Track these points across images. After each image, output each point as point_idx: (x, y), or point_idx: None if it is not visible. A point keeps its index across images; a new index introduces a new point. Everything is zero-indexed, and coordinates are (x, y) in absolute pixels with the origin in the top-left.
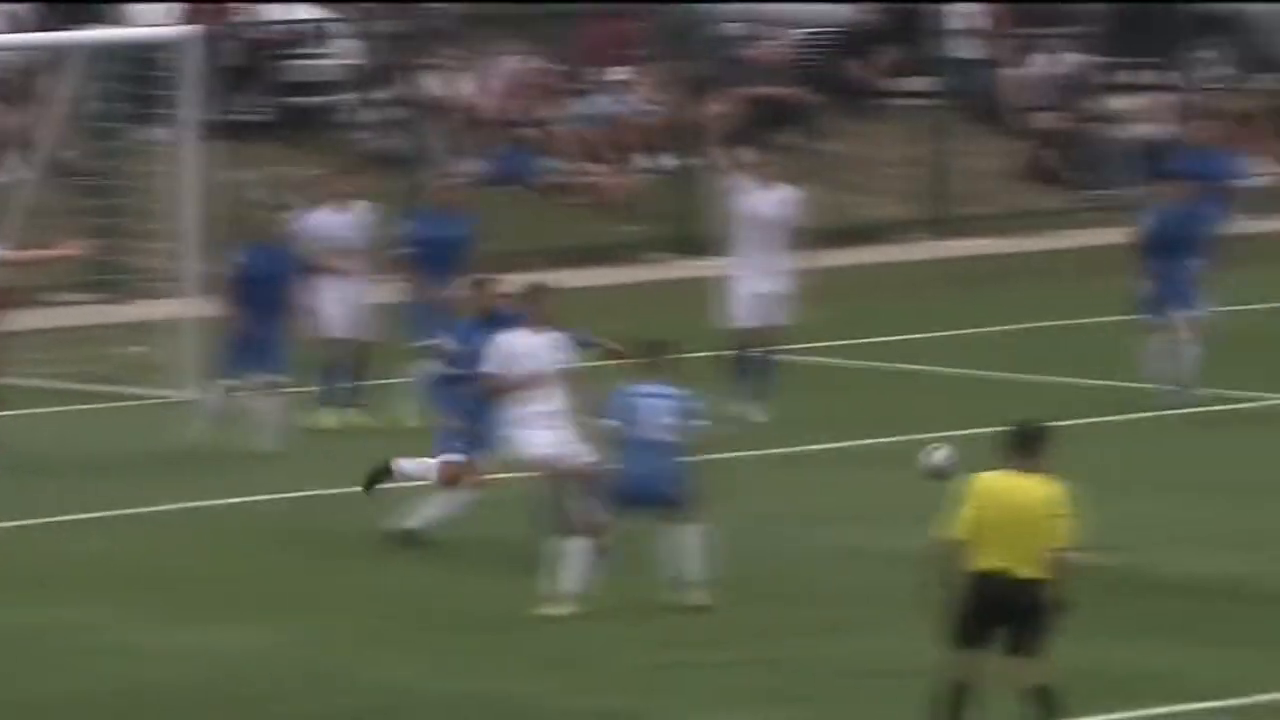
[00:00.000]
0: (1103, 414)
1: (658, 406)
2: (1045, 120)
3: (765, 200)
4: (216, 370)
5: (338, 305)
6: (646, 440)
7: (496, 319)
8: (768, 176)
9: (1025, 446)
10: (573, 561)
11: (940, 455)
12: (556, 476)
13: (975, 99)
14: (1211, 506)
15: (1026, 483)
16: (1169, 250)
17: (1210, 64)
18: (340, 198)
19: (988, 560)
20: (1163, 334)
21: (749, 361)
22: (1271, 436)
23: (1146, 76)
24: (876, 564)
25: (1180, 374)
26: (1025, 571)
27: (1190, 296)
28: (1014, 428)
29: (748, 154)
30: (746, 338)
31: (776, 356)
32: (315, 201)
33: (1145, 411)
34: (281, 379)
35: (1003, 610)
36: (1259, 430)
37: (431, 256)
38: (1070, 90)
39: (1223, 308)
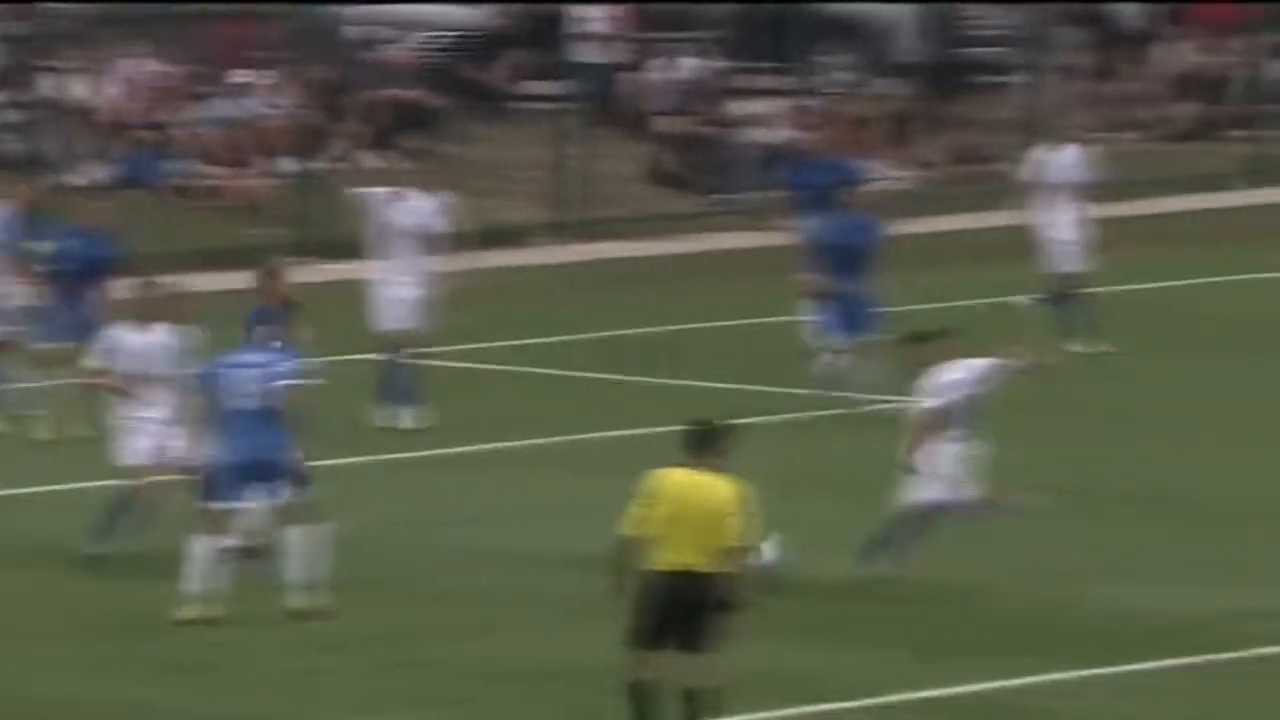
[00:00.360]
0: (742, 415)
1: (244, 375)
2: (670, 124)
3: (405, 207)
4: None
5: None
6: (236, 411)
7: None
8: (406, 183)
9: (706, 445)
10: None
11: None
12: (155, 483)
13: (602, 103)
14: (856, 509)
15: (707, 480)
16: (831, 262)
17: (832, 68)
18: None
19: (668, 557)
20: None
21: (396, 367)
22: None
23: (770, 81)
24: (517, 565)
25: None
26: (703, 568)
27: (863, 318)
28: (695, 426)
29: (373, 159)
30: (393, 342)
31: (421, 361)
32: None
33: (784, 414)
34: None
35: (680, 606)
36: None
37: (76, 272)
38: (695, 94)
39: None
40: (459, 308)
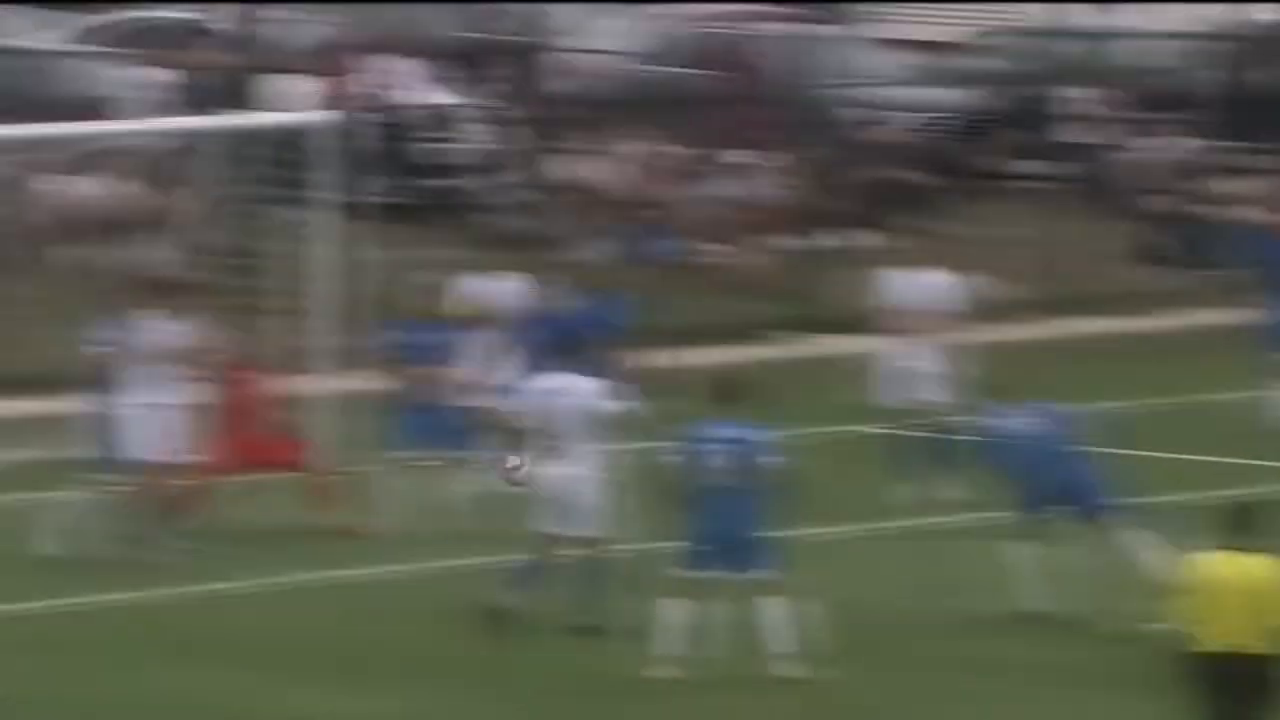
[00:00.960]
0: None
1: (718, 450)
2: (1155, 202)
3: (921, 284)
4: (388, 444)
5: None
6: (709, 487)
7: None
8: (918, 261)
9: (1243, 524)
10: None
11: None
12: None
13: (1089, 182)
14: None
15: (1247, 560)
16: None
17: None
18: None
19: (1216, 641)
20: None
21: (912, 439)
22: None
23: (1255, 160)
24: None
25: None
26: (1254, 649)
27: None
28: (1234, 507)
29: (869, 238)
30: (901, 415)
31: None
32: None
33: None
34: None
35: (1234, 689)
36: None
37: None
38: (1180, 173)
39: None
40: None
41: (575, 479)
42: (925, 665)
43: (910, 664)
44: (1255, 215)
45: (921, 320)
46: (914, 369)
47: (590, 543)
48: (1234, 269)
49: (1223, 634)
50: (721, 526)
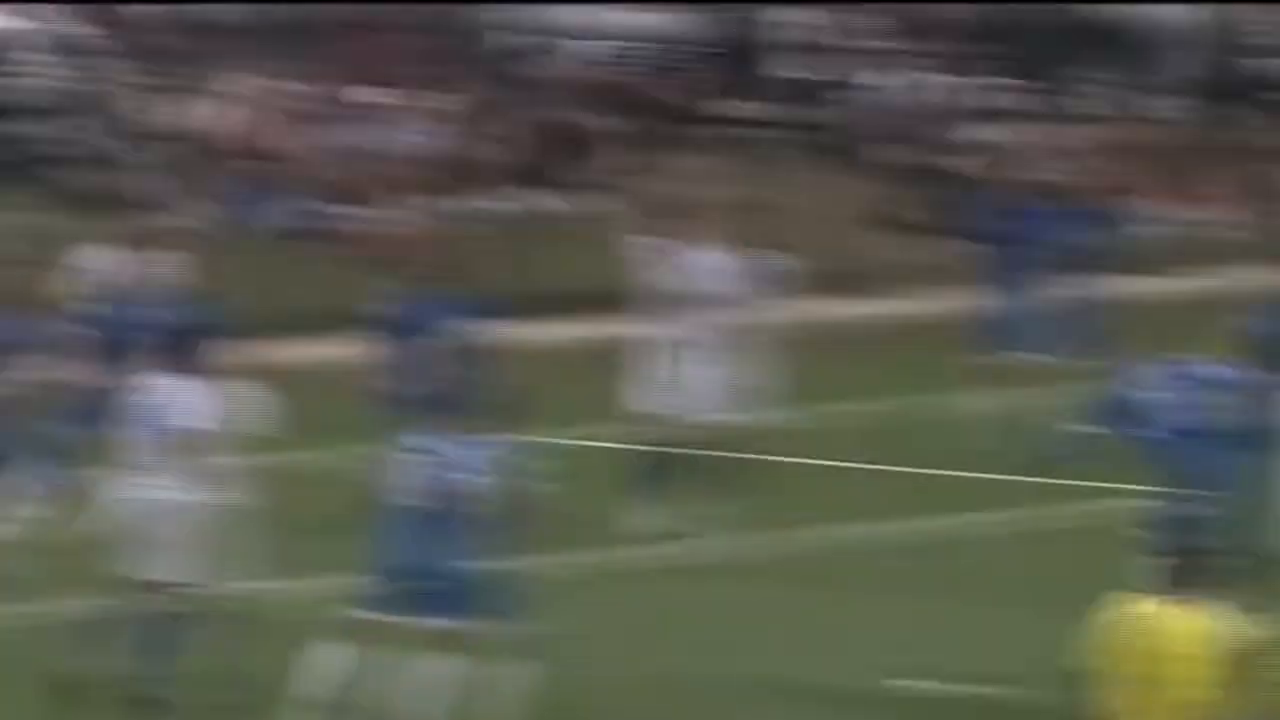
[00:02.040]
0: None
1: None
2: (901, 154)
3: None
4: None
5: None
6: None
7: None
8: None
9: (1185, 574)
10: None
11: None
12: None
13: (817, 129)
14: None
15: (1181, 615)
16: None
17: (1095, 86)
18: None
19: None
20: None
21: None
22: None
23: (1025, 101)
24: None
25: None
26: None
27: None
28: (1179, 552)
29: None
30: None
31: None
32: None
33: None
34: None
35: None
36: None
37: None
38: (923, 119)
39: None
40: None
41: (159, 507)
42: None
43: None
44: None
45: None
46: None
47: (166, 588)
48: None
49: (1140, 700)
50: (411, 560)
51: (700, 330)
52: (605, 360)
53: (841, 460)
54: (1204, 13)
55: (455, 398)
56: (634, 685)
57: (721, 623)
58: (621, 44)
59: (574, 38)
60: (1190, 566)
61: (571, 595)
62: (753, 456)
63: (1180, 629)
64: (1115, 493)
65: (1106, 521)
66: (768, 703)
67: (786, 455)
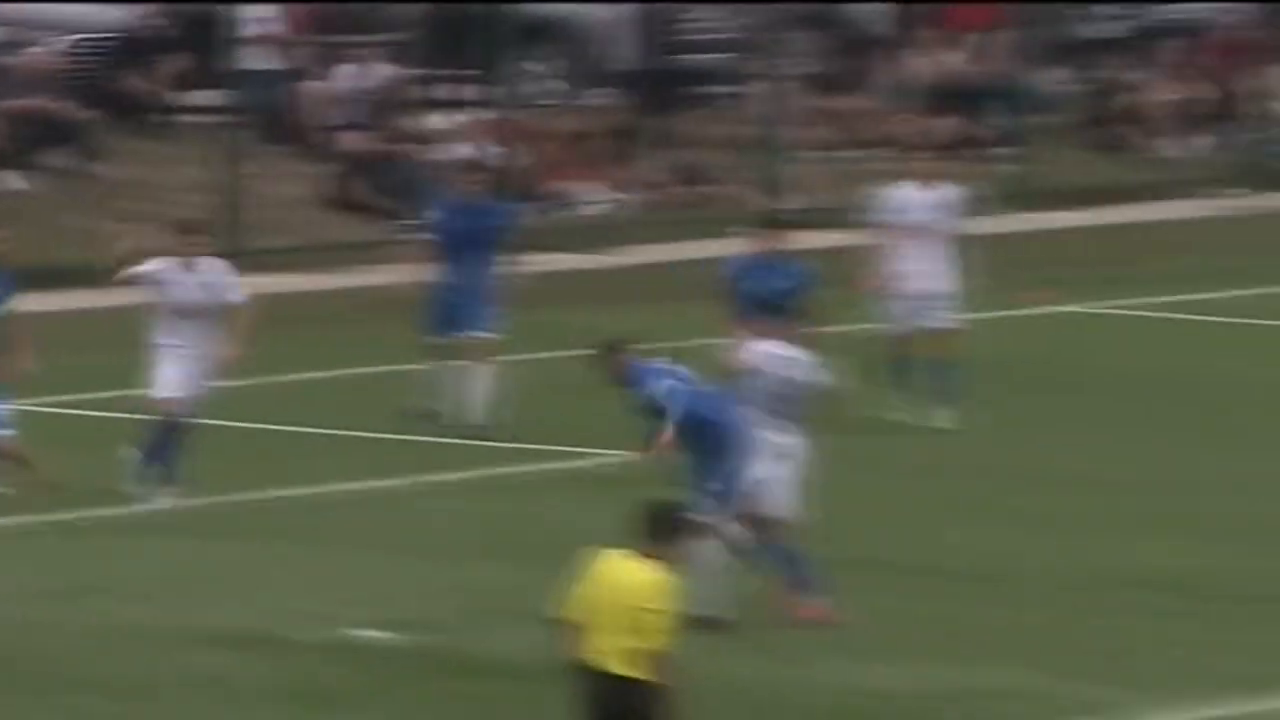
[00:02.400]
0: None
1: None
2: (350, 141)
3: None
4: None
5: None
6: None
7: None
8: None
9: (655, 529)
10: None
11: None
12: None
13: (273, 116)
14: (523, 576)
15: (638, 567)
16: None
17: (538, 77)
18: None
19: (590, 650)
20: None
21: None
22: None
23: (465, 91)
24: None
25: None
26: (618, 667)
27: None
28: (649, 508)
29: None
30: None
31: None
32: None
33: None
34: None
35: (596, 711)
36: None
37: None
38: (379, 107)
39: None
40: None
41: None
42: (49, 689)
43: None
44: (465, 153)
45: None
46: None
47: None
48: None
49: (595, 648)
50: None
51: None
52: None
53: (297, 426)
54: (634, 9)
55: None
56: (69, 631)
57: (158, 576)
58: (88, 36)
59: (43, 29)
60: (657, 525)
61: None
62: (208, 422)
63: (629, 581)
64: (560, 455)
65: (542, 482)
66: (189, 649)
67: (245, 422)
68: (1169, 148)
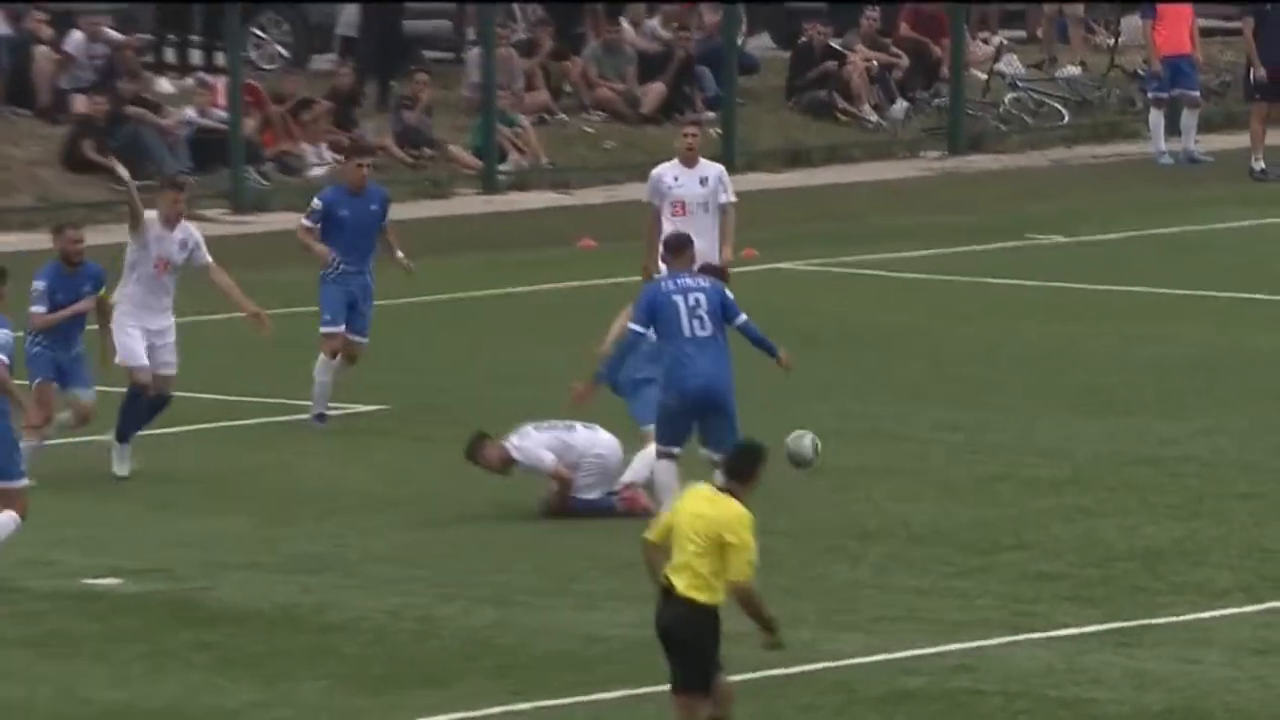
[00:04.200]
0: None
1: None
2: (84, 104)
3: None
4: None
5: None
6: None
7: None
8: None
9: (736, 466)
10: None
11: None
12: None
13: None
14: (262, 527)
15: (721, 500)
16: None
17: (263, 42)
18: None
19: (668, 573)
20: None
21: None
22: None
23: (194, 56)
24: None
25: None
26: (688, 591)
27: None
28: (740, 445)
29: None
30: None
31: None
32: None
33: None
34: None
35: (665, 633)
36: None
37: None
38: (109, 70)
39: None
40: None
41: None
42: None
43: None
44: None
45: None
46: None
47: None
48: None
49: (673, 571)
50: None
51: None
52: None
53: None
54: None
55: None
56: None
57: None
58: None
59: None
60: (739, 463)
61: None
62: None
63: (713, 513)
64: (299, 409)
65: (282, 434)
66: None
67: None
68: (870, 111)
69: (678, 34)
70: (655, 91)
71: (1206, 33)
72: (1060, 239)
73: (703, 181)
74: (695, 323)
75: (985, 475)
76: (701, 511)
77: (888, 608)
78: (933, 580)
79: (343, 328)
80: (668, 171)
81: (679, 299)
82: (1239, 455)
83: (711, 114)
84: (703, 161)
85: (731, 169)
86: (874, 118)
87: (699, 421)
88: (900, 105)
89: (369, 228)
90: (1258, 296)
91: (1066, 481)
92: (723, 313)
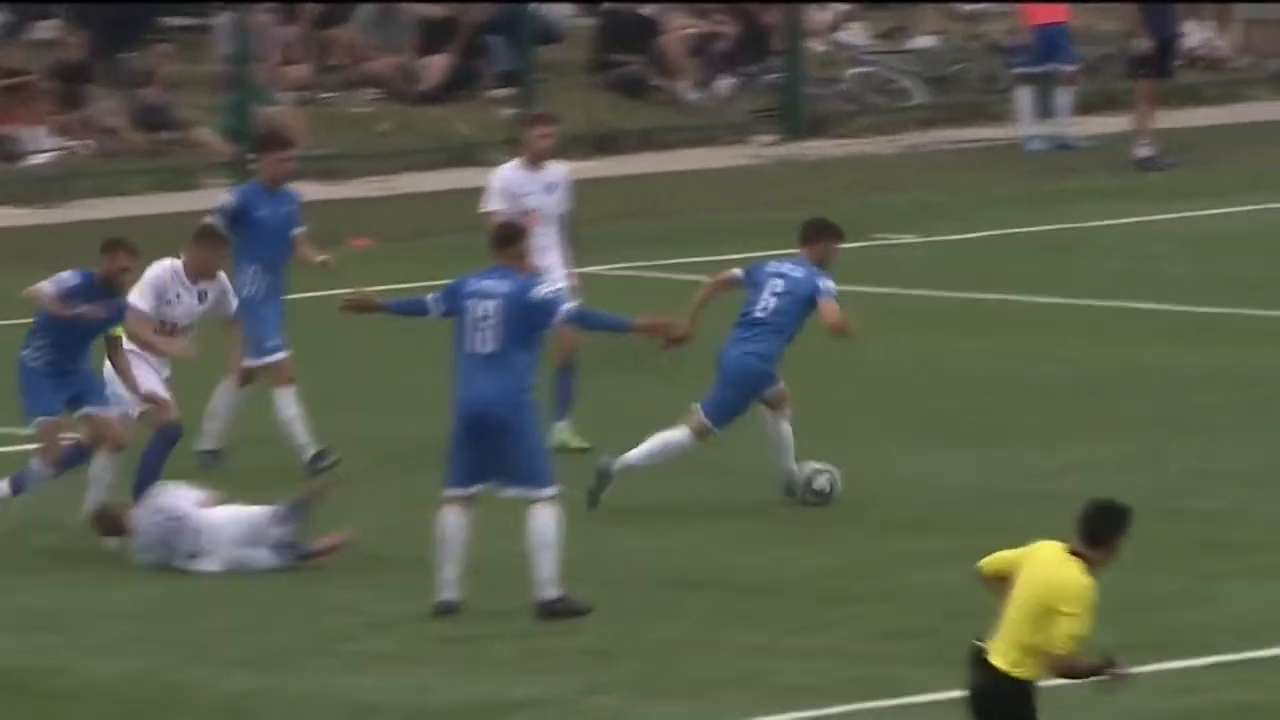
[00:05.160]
0: None
1: None
2: None
3: None
4: None
5: None
6: None
7: None
8: None
9: (1093, 528)
10: None
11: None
12: None
13: None
14: None
15: (1066, 566)
16: None
17: None
18: None
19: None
20: None
21: None
22: None
23: None
24: None
25: None
26: (1003, 663)
27: None
28: (1092, 504)
29: None
30: None
31: None
32: None
33: None
34: None
35: (974, 704)
36: None
37: None
38: None
39: None
40: None
41: None
42: None
43: None
44: None
45: None
46: None
47: None
48: None
49: (995, 632)
50: None
51: None
52: None
53: None
54: None
55: None
56: None
57: None
58: None
59: None
60: (1094, 524)
61: None
62: None
63: (1050, 576)
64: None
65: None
66: None
67: None
68: (691, 88)
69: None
70: (438, 65)
71: None
72: (913, 239)
73: (549, 188)
74: (478, 336)
75: (831, 514)
76: (1043, 576)
77: (714, 669)
78: (769, 637)
79: (287, 352)
80: (514, 174)
81: (470, 304)
82: (1122, 491)
83: (505, 91)
84: (550, 164)
85: None
86: (695, 97)
87: (482, 453)
88: (726, 82)
89: (286, 232)
90: (1143, 306)
91: (926, 522)
92: (530, 320)
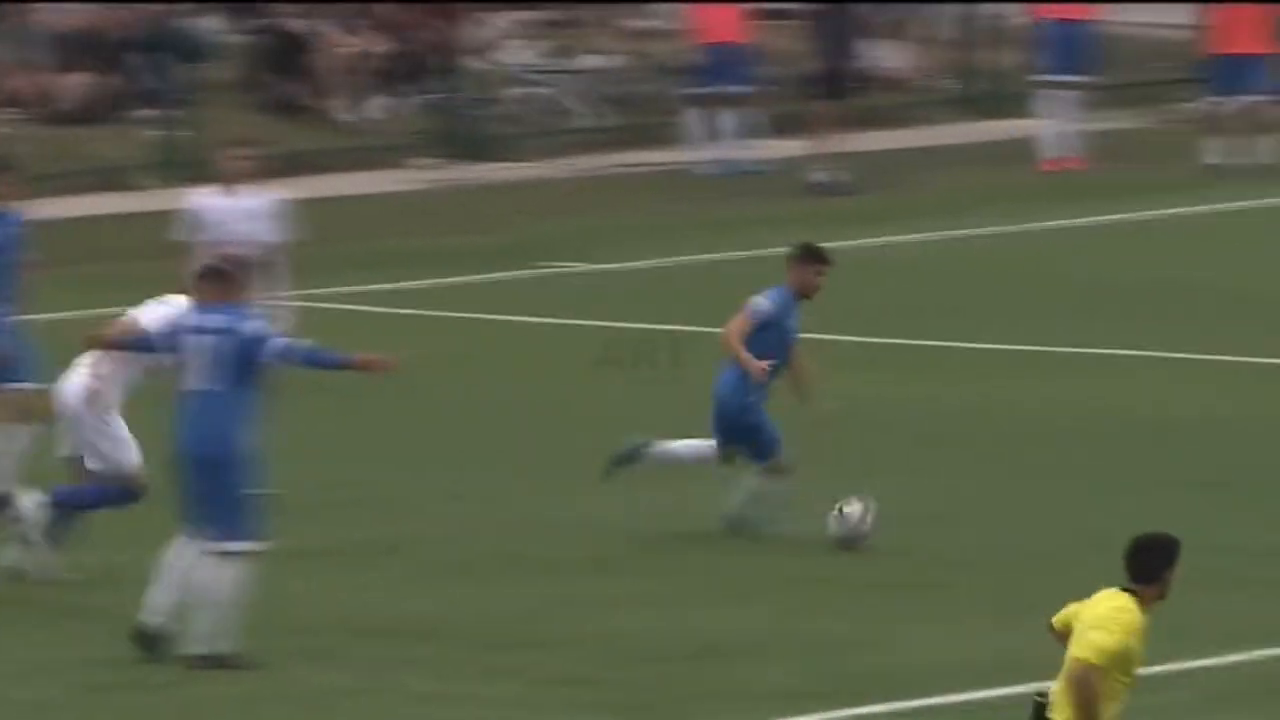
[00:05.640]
0: None
1: None
2: None
3: None
4: None
5: None
6: None
7: None
8: None
9: (1136, 563)
10: None
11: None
12: None
13: None
14: None
15: (1112, 599)
16: None
17: None
18: None
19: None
20: None
21: None
22: None
23: None
24: None
25: None
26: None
27: None
28: (1143, 540)
29: None
30: None
31: None
32: None
33: None
34: None
35: None
36: None
37: None
38: None
39: None
40: None
41: None
42: None
43: None
44: None
45: None
46: None
47: None
48: None
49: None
50: None
51: None
52: None
53: None
54: None
55: None
56: None
57: None
58: None
59: None
60: (1139, 560)
61: None
62: None
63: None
64: None
65: None
66: None
67: None
68: (346, 109)
69: (107, 12)
70: (78, 84)
71: (760, 16)
72: (581, 266)
73: (250, 215)
74: (194, 374)
75: (497, 554)
76: (1090, 612)
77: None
78: (439, 683)
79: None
80: (209, 201)
81: (187, 340)
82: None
83: (151, 112)
84: (249, 190)
85: (176, 180)
86: (348, 117)
87: (195, 493)
88: (379, 102)
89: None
90: (823, 337)
91: (599, 563)
92: (245, 356)
